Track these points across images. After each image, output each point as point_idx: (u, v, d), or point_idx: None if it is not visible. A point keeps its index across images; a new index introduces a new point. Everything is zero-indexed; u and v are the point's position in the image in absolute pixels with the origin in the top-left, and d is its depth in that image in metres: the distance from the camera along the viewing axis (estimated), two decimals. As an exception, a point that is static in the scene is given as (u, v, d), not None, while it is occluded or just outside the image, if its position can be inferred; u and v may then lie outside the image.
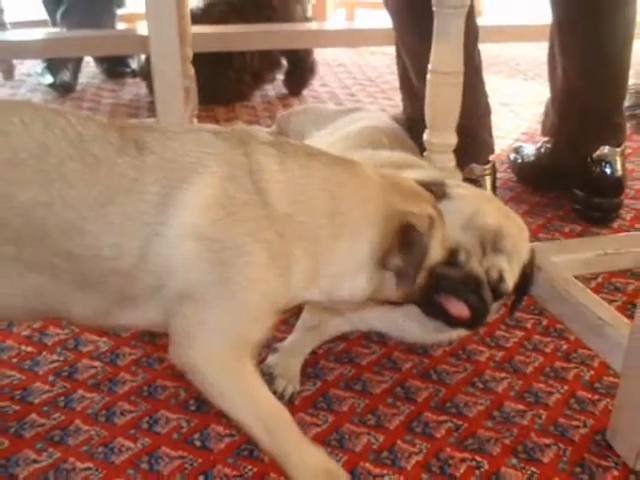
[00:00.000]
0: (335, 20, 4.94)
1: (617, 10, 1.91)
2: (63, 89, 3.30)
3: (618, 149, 2.01)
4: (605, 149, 2.00)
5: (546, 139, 2.24)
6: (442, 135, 1.71)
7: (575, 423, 1.30)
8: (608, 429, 1.25)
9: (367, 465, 1.19)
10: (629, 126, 2.61)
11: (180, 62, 1.74)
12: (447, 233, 1.18)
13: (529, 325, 1.60)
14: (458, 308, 1.27)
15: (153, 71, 1.74)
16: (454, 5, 1.56)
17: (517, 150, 2.40)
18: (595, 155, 2.01)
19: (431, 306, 1.28)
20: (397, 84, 2.28)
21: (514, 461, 1.21)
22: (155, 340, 1.49)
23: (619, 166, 2.01)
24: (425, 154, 1.76)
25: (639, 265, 1.58)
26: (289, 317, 1.56)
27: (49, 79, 3.30)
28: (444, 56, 1.62)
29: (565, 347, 1.52)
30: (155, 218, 0.98)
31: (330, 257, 1.06)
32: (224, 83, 3.14)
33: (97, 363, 1.43)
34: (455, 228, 1.27)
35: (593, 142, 2.01)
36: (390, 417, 1.31)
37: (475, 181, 1.94)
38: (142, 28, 3.40)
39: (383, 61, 4.08)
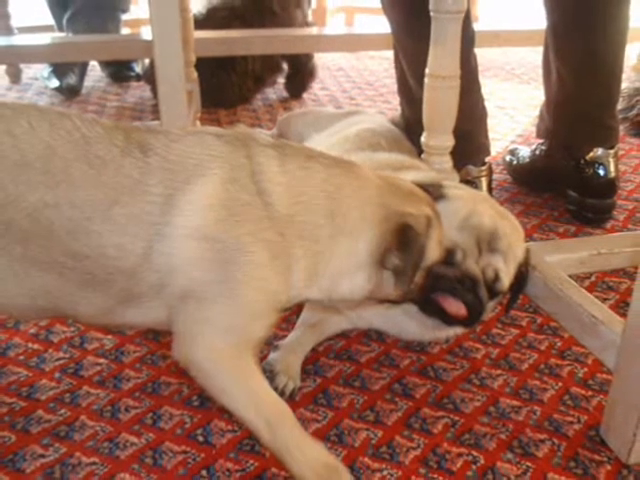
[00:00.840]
0: (335, 25, 4.96)
1: (611, 15, 1.93)
2: (69, 92, 3.32)
3: (611, 151, 2.03)
4: (598, 151, 2.02)
5: (541, 141, 2.26)
6: (439, 137, 1.73)
7: (569, 419, 1.32)
8: (601, 425, 1.27)
9: (366, 460, 1.21)
10: (622, 128, 2.65)
11: (183, 66, 1.76)
12: (444, 233, 1.19)
13: (524, 323, 1.62)
14: (455, 306, 1.29)
15: (157, 75, 1.76)
16: (451, 10, 1.58)
17: (512, 152, 2.42)
18: (589, 157, 2.03)
19: (428, 304, 1.30)
20: (395, 88, 2.29)
21: (509, 456, 1.22)
22: (159, 338, 1.51)
23: (612, 168, 2.03)
24: (423, 156, 1.78)
25: (632, 264, 1.60)
26: (290, 315, 1.58)
27: (55, 83, 3.33)
28: (441, 60, 1.64)
29: (559, 345, 1.54)
30: (159, 218, 1.00)
31: (330, 256, 1.08)
32: (226, 87, 3.16)
33: (102, 360, 1.45)
34: (452, 228, 1.29)
35: (587, 144, 2.03)
36: (388, 413, 1.32)
37: (471, 182, 1.96)
38: (146, 33, 3.43)
39: (382, 65, 4.11)
